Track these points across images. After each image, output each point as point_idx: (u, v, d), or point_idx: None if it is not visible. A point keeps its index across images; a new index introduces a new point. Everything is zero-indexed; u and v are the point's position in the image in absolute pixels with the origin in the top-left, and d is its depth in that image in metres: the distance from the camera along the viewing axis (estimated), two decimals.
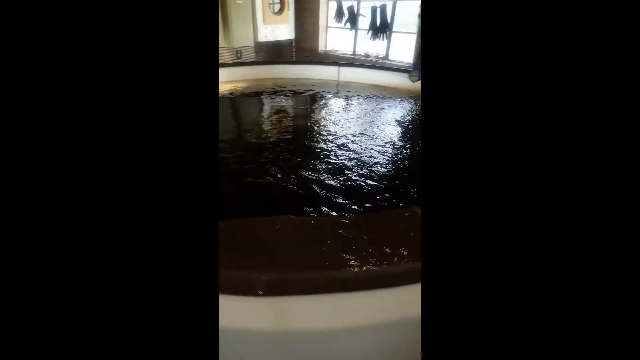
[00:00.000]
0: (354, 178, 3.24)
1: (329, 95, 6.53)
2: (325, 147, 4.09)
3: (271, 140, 4.38)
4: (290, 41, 8.21)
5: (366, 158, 3.71)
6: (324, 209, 2.67)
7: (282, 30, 7.95)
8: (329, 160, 3.67)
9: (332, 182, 3.12)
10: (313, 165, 3.53)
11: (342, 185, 3.11)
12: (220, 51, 7.06)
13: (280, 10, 7.50)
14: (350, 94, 6.57)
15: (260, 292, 1.14)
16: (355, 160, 3.65)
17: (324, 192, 2.95)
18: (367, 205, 2.75)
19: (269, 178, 3.19)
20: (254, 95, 6.42)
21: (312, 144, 4.21)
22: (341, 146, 4.12)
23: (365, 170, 3.45)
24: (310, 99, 6.35)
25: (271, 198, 2.89)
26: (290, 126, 4.97)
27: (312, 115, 5.57)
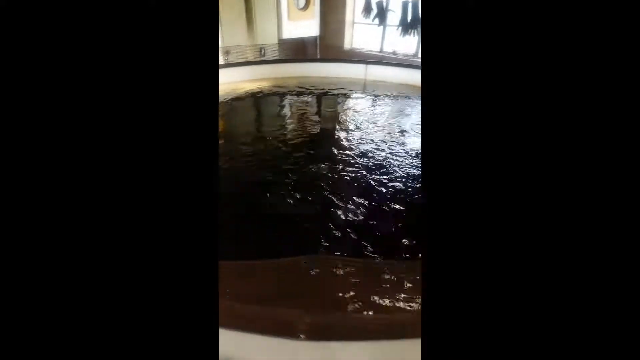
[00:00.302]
0: (378, 205, 2.89)
1: (355, 95, 6.24)
2: (348, 155, 3.79)
3: (292, 142, 4.25)
4: (314, 38, 7.95)
5: (394, 175, 3.38)
6: (350, 241, 2.43)
7: (307, 26, 7.69)
8: (352, 174, 3.38)
9: (355, 215, 2.76)
10: (334, 180, 3.24)
11: (366, 211, 2.79)
12: (243, 49, 6.92)
13: (306, 6, 7.26)
14: (378, 93, 6.24)
15: (302, 336, 1.11)
16: (382, 177, 3.33)
17: (349, 217, 2.68)
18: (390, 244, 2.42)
19: (290, 201, 2.94)
20: (277, 94, 6.21)
21: (333, 151, 3.98)
22: (364, 154, 3.81)
23: (390, 189, 3.09)
24: (335, 99, 6.08)
25: (295, 226, 2.63)
26: (313, 128, 4.77)
27: (335, 116, 5.29)
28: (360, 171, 3.42)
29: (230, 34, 6.84)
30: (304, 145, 4.13)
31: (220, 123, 5.14)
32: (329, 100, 6.10)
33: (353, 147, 4.06)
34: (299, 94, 6.31)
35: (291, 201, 2.91)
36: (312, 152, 3.91)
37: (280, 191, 3.03)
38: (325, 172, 3.36)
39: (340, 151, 3.93)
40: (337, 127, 4.88)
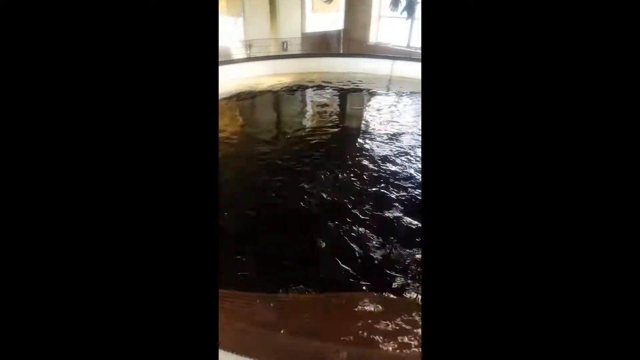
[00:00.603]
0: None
1: (379, 92, 5.98)
2: (368, 166, 3.52)
3: (311, 141, 4.09)
4: (338, 32, 7.69)
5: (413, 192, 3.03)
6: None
7: (331, 19, 7.44)
8: (370, 189, 3.09)
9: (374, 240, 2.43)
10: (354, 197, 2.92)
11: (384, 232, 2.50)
12: (265, 42, 6.75)
13: None
14: (403, 90, 5.94)
15: None
16: (400, 193, 3.01)
17: (371, 243, 2.39)
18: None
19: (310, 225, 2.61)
20: (298, 90, 6.01)
21: (350, 155, 3.76)
22: (385, 159, 3.54)
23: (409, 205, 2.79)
24: (358, 96, 5.82)
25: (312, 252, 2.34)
26: (333, 127, 4.51)
27: (357, 114, 5.04)
28: (378, 185, 3.12)
29: (253, 27, 6.71)
30: (319, 146, 3.95)
31: (239, 119, 5.00)
32: (351, 97, 5.85)
33: (372, 151, 3.80)
34: (320, 89, 6.09)
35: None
36: (327, 155, 3.75)
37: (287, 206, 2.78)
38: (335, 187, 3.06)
39: (358, 154, 3.67)
40: (358, 126, 4.64)
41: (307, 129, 4.48)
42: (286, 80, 6.47)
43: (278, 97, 5.87)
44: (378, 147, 3.87)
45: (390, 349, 1.53)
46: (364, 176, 3.23)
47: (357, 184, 3.09)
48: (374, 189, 3.01)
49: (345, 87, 6.23)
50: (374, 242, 2.38)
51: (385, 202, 2.81)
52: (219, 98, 5.64)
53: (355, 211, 2.68)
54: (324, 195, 2.88)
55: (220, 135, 4.12)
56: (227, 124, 4.61)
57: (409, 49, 7.32)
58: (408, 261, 2.21)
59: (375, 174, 3.27)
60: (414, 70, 6.48)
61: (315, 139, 4.12)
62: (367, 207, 2.73)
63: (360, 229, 2.50)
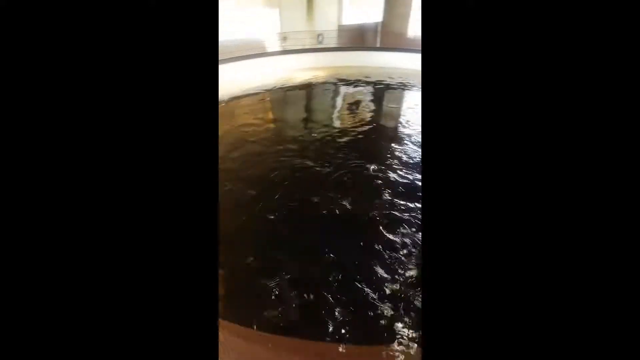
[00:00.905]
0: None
1: (418, 89, 5.58)
2: (399, 180, 3.19)
3: (339, 143, 3.86)
4: (375, 24, 7.33)
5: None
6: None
7: (368, 11, 7.10)
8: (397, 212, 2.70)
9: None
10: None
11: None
12: (300, 35, 6.54)
13: None
14: None
15: None
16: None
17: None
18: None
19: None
20: (331, 85, 5.78)
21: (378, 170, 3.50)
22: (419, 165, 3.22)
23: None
24: (394, 93, 5.49)
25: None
26: (365, 124, 4.24)
27: (393, 113, 4.72)
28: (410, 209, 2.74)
29: (288, 19, 6.52)
30: (348, 147, 3.70)
31: (269, 114, 4.86)
32: (388, 94, 5.52)
33: (406, 154, 3.48)
34: (356, 85, 5.81)
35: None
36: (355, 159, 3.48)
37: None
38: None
39: (390, 161, 3.37)
40: (393, 126, 4.33)
41: (336, 129, 4.24)
42: (321, 75, 6.26)
43: (310, 91, 5.67)
44: (415, 152, 3.55)
45: None
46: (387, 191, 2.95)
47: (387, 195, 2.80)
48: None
49: (382, 82, 5.91)
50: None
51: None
52: (251, 92, 5.53)
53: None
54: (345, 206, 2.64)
55: (246, 130, 4.03)
56: (255, 120, 4.46)
57: None
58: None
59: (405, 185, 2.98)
60: None
61: (346, 139, 3.89)
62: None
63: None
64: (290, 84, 5.89)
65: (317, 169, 3.19)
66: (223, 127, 4.19)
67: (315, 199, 2.69)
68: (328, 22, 6.78)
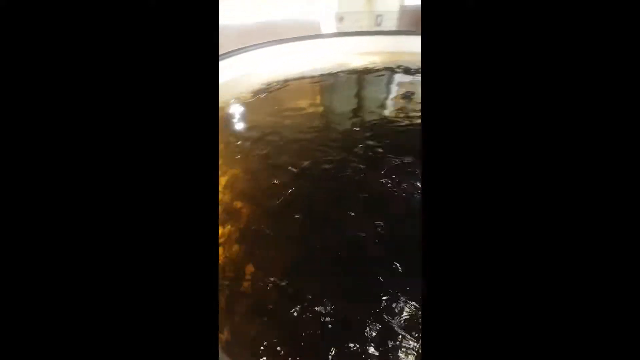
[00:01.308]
0: None
1: None
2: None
3: (384, 142, 3.48)
4: None
5: None
6: None
7: None
8: None
9: None
10: None
11: None
12: (358, 16, 6.13)
13: None
14: None
15: None
16: None
17: None
18: None
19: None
20: (388, 73, 5.34)
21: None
22: None
23: None
24: None
25: None
26: (416, 119, 3.80)
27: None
28: None
29: None
30: (392, 148, 3.32)
31: (317, 98, 4.62)
32: None
33: None
34: (413, 74, 5.30)
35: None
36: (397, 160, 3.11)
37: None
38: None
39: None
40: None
41: (385, 122, 3.86)
42: (377, 60, 5.85)
43: (363, 79, 5.32)
44: None
45: None
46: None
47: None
48: None
49: None
50: None
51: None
52: (303, 76, 5.34)
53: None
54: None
55: (292, 119, 3.85)
56: (306, 106, 4.27)
57: None
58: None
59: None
60: None
61: (388, 138, 3.52)
62: None
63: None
64: (343, 68, 5.58)
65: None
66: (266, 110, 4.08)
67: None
68: (388, 2, 6.25)
